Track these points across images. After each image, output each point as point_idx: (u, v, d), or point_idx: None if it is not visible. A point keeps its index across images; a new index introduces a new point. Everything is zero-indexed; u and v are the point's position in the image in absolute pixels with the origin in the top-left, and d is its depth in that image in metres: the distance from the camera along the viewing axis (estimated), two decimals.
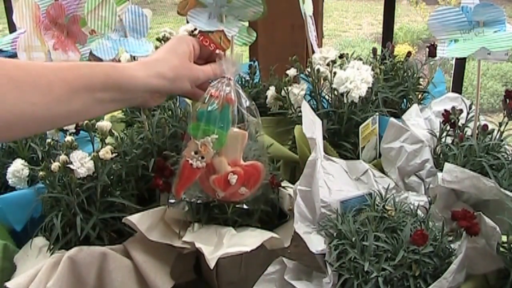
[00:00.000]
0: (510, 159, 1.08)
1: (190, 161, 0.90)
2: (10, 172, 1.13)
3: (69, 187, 1.01)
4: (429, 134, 1.17)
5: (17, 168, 1.12)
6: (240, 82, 1.46)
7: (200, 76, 0.91)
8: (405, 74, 1.38)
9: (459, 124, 1.12)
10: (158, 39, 1.32)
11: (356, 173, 1.09)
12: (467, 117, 1.15)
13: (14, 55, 1.09)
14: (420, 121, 1.21)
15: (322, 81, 1.26)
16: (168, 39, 1.31)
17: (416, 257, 0.85)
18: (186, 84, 0.90)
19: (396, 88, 1.35)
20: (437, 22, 1.06)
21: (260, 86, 1.45)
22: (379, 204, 0.96)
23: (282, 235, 1.00)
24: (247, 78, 1.46)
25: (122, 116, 1.44)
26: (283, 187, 1.09)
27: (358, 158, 1.18)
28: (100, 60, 1.31)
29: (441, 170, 0.99)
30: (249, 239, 0.97)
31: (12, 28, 1.77)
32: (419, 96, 1.40)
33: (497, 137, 1.11)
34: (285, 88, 1.29)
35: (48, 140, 1.16)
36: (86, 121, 1.08)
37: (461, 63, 1.84)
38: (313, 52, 1.29)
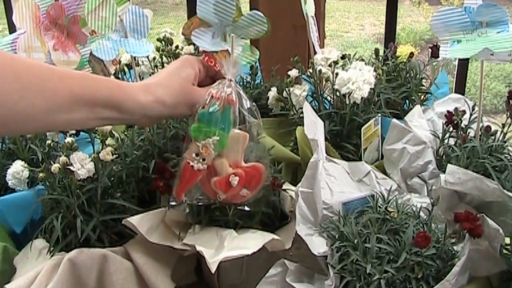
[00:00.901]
0: None
1: (191, 163, 0.90)
2: (10, 173, 1.12)
3: (69, 188, 1.00)
4: (431, 135, 1.16)
5: (17, 169, 1.12)
6: (241, 83, 1.45)
7: (200, 101, 0.90)
8: (408, 75, 1.37)
9: (462, 125, 1.12)
10: (158, 40, 1.32)
11: (358, 174, 1.08)
12: (470, 118, 1.14)
13: None
14: (422, 122, 1.21)
15: (324, 82, 1.26)
16: (168, 39, 1.31)
17: (418, 259, 0.85)
18: (185, 110, 0.91)
19: (399, 89, 1.34)
20: (440, 22, 1.06)
21: (262, 87, 1.44)
22: (381, 206, 0.96)
23: (284, 237, 1.00)
24: (249, 79, 1.45)
25: None
26: (285, 189, 1.09)
27: (360, 160, 1.17)
28: (101, 60, 1.31)
29: (444, 172, 0.99)
30: (250, 242, 0.97)
31: (12, 28, 1.77)
32: (422, 97, 1.39)
33: (500, 138, 1.10)
34: (286, 89, 1.28)
35: (48, 142, 1.16)
36: None
37: (464, 64, 1.83)
38: (315, 52, 1.29)
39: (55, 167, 0.99)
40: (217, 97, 0.90)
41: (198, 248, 0.96)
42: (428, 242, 0.84)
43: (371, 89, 1.18)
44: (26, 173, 1.12)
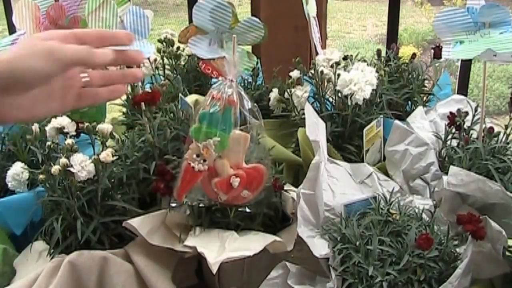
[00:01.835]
0: None
1: (192, 164, 0.89)
2: (10, 175, 1.12)
3: (70, 190, 1.00)
4: (434, 136, 1.16)
5: (17, 171, 1.12)
6: (242, 84, 1.45)
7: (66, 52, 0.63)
8: (410, 76, 1.37)
9: (465, 126, 1.12)
10: (159, 41, 1.31)
11: (360, 176, 1.08)
12: (472, 120, 1.14)
13: None
14: (425, 123, 1.20)
15: (325, 83, 1.26)
16: (169, 40, 1.31)
17: (421, 261, 0.84)
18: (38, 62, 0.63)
19: (401, 90, 1.34)
20: (442, 23, 1.05)
21: (263, 88, 1.44)
22: (383, 208, 0.96)
23: (285, 239, 1.00)
24: (250, 80, 1.45)
25: (123, 119, 1.43)
26: (286, 191, 1.08)
27: (362, 161, 1.17)
28: None
29: (447, 173, 0.99)
30: (251, 243, 0.97)
31: (11, 29, 1.76)
32: (424, 98, 1.39)
33: (503, 139, 1.10)
34: (288, 90, 1.28)
35: (48, 143, 1.15)
36: (87, 124, 1.08)
37: (466, 64, 1.82)
38: (317, 53, 1.28)
39: (55, 168, 0.99)
40: (218, 98, 0.89)
41: (200, 249, 0.95)
42: (430, 244, 0.84)
43: (373, 90, 1.18)
44: (26, 175, 1.12)
